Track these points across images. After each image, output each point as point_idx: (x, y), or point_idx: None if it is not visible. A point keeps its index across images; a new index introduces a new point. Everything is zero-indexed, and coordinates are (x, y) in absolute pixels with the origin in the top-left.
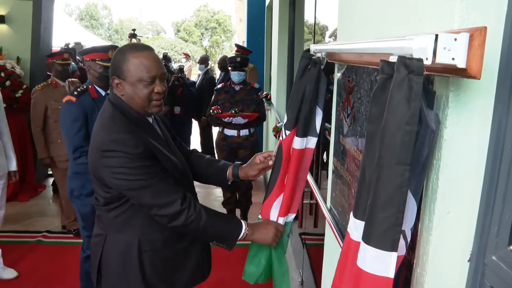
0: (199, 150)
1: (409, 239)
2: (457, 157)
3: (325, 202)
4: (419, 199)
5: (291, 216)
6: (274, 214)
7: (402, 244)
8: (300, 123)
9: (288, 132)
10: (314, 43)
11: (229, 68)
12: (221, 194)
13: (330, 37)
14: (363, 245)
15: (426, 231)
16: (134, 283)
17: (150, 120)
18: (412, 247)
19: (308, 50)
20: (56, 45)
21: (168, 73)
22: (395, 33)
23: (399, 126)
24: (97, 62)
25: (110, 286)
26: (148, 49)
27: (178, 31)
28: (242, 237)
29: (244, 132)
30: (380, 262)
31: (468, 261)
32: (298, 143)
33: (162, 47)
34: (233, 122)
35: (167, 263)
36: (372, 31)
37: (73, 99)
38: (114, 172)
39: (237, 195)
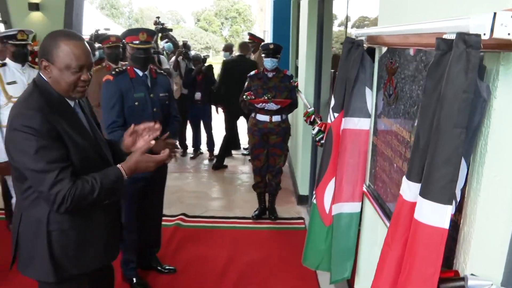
0: (223, 135)
1: (458, 199)
2: (505, 126)
3: None
4: (469, 162)
5: (355, 205)
6: (327, 200)
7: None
8: (348, 104)
9: (336, 115)
10: (346, 32)
11: (263, 55)
12: (247, 179)
13: (352, 27)
14: (420, 200)
15: (474, 193)
16: (42, 261)
17: (72, 103)
18: (459, 209)
19: (349, 38)
20: (84, 32)
21: (187, 61)
22: (443, 15)
23: (457, 94)
24: (129, 44)
25: (22, 264)
26: (79, 38)
27: (198, 20)
28: (126, 177)
29: (276, 118)
30: (437, 214)
31: None
32: (348, 123)
33: (182, 36)
34: (265, 108)
35: (75, 244)
36: (417, 14)
37: (111, 78)
38: (16, 147)
39: (267, 179)
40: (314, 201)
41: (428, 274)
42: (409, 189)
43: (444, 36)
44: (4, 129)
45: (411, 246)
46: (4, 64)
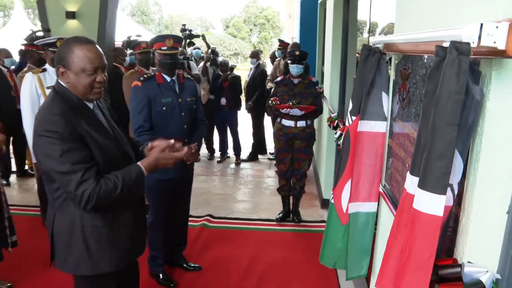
0: (251, 140)
1: (456, 192)
2: (498, 125)
3: None
4: (465, 159)
5: (372, 205)
6: (345, 199)
7: (449, 195)
8: (365, 108)
9: (354, 118)
10: (368, 39)
11: (288, 61)
12: (272, 183)
13: (380, 34)
14: (418, 191)
15: (471, 186)
16: (79, 256)
17: (91, 106)
18: (459, 203)
19: (366, 45)
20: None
21: (215, 67)
22: (449, 24)
23: (450, 95)
24: (157, 51)
25: (59, 260)
26: (91, 42)
27: (227, 27)
28: (146, 174)
29: (301, 123)
30: (432, 204)
31: (507, 213)
32: (365, 126)
33: (211, 42)
34: (290, 114)
35: (107, 239)
36: (427, 23)
37: (139, 84)
38: (42, 151)
39: (291, 183)
40: (332, 201)
41: (424, 258)
42: (412, 183)
43: (444, 44)
44: None
45: (410, 233)
46: (44, 70)
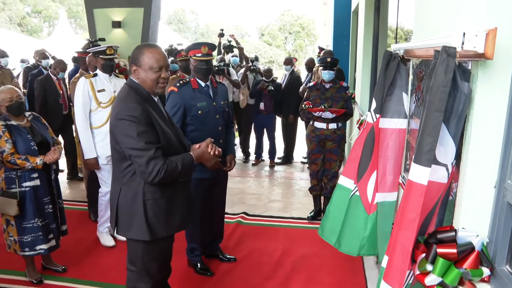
0: (282, 144)
1: (450, 171)
2: (484, 114)
3: None
4: (457, 142)
5: (392, 195)
6: (370, 191)
7: (444, 174)
8: (388, 107)
9: (377, 116)
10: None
11: (320, 68)
12: (305, 185)
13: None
14: (412, 165)
15: (464, 165)
16: (141, 225)
17: (156, 99)
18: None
19: (388, 51)
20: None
21: (254, 73)
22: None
23: (439, 87)
24: (193, 57)
25: (123, 230)
26: (158, 47)
27: (262, 34)
28: (195, 162)
29: (332, 125)
30: (420, 174)
31: (494, 187)
32: (389, 123)
33: (247, 50)
34: (322, 116)
35: (164, 209)
36: (438, 30)
37: (175, 89)
38: (122, 132)
39: (323, 183)
40: (357, 193)
41: (411, 218)
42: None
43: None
44: (95, 130)
45: (404, 199)
46: (95, 75)
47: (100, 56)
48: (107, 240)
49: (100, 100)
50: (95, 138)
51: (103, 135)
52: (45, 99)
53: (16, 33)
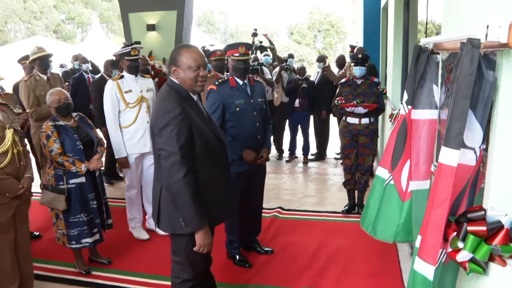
0: (315, 140)
1: (478, 154)
2: (508, 100)
3: None
4: (484, 127)
5: (425, 183)
6: (404, 179)
7: (472, 157)
8: (420, 98)
9: (409, 107)
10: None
11: (352, 64)
12: (339, 180)
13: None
14: (442, 148)
15: (491, 148)
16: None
17: (195, 98)
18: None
19: (417, 45)
20: None
21: (289, 72)
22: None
23: (465, 76)
24: (231, 57)
25: (164, 224)
26: (195, 47)
27: (292, 33)
28: (193, 230)
29: (364, 120)
30: (450, 157)
31: None
32: (421, 114)
33: (277, 49)
34: (354, 112)
35: (204, 204)
36: (466, 23)
37: (214, 88)
38: (162, 129)
39: (356, 177)
40: (392, 182)
41: (443, 198)
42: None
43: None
44: (124, 130)
45: (435, 181)
46: (122, 76)
47: (125, 57)
48: (141, 234)
49: (128, 100)
50: (124, 137)
51: (131, 135)
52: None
53: (52, 40)
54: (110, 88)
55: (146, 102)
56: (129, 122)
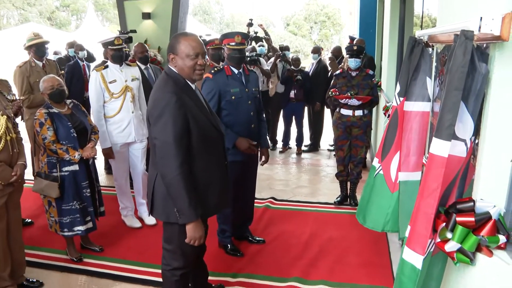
0: (308, 131)
1: (469, 146)
2: (500, 92)
3: None
4: (475, 119)
5: (419, 174)
6: (393, 170)
7: (463, 149)
8: (413, 90)
9: (401, 99)
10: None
11: (347, 55)
12: (332, 171)
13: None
14: (434, 139)
15: (482, 140)
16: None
17: (193, 87)
18: (475, 155)
19: (412, 37)
20: None
21: (286, 63)
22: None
23: (457, 68)
24: (227, 46)
25: (157, 212)
26: (193, 35)
27: (288, 25)
28: (185, 221)
29: (358, 112)
30: (441, 147)
31: (511, 161)
32: (413, 106)
33: (272, 40)
34: (348, 103)
35: (199, 193)
36: (461, 16)
37: (210, 76)
38: (157, 118)
39: (349, 169)
40: (381, 172)
41: (433, 188)
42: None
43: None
44: (109, 119)
45: (426, 171)
46: (106, 66)
47: (109, 47)
48: (133, 222)
49: (112, 91)
50: (109, 127)
51: (117, 125)
52: None
53: (46, 27)
54: (94, 78)
55: (131, 91)
56: (114, 112)
